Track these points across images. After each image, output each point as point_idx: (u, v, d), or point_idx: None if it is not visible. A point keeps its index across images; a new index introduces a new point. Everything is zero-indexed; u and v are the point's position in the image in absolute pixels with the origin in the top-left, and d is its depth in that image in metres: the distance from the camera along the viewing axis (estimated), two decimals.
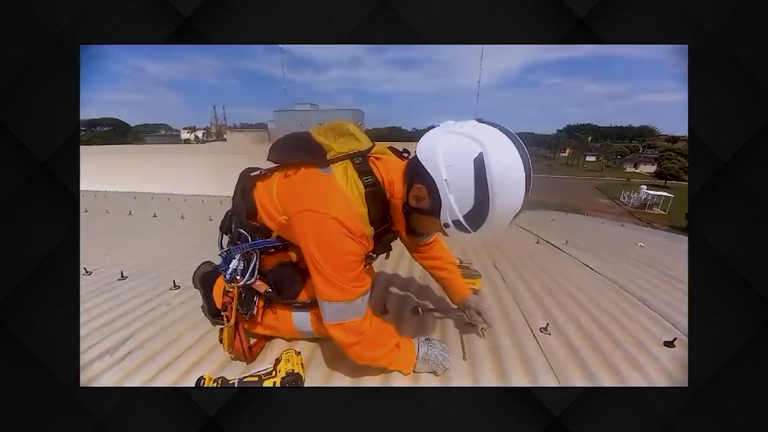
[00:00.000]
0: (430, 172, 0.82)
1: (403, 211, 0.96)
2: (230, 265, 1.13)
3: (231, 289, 1.14)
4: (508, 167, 0.76)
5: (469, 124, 0.83)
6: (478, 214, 0.79)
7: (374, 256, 1.16)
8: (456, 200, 0.80)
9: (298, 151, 1.01)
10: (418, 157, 0.85)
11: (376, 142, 1.04)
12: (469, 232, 0.83)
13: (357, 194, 0.92)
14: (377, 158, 1.01)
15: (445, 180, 0.79)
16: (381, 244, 1.10)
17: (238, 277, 1.12)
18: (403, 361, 1.09)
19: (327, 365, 1.16)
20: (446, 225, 0.84)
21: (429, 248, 1.38)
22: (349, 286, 0.92)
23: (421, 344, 1.12)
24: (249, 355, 1.16)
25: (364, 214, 0.92)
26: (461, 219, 0.81)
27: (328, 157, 0.95)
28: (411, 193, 0.90)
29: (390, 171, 0.97)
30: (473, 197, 0.77)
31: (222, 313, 1.16)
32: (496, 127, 0.81)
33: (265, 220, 1.08)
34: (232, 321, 1.13)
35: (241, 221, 1.12)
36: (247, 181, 1.15)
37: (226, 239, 1.24)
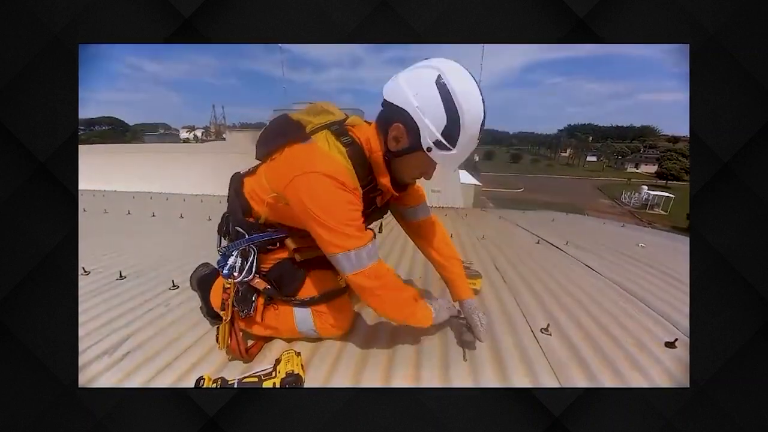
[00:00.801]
0: (401, 106, 0.90)
1: (384, 161, 1.01)
2: (228, 262, 1.15)
3: (228, 286, 1.14)
4: (464, 80, 0.89)
5: (419, 63, 0.95)
6: (452, 128, 0.88)
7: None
8: (431, 120, 0.88)
9: (280, 135, 1.05)
10: (387, 99, 0.94)
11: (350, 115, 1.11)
12: (450, 149, 0.90)
13: (339, 153, 0.98)
14: (352, 126, 1.07)
15: (417, 107, 0.88)
16: (371, 208, 1.14)
17: (235, 274, 1.14)
18: (421, 315, 1.12)
19: (327, 366, 1.15)
20: (429, 149, 0.91)
21: (428, 231, 1.37)
22: (357, 233, 0.96)
23: (429, 301, 1.19)
24: (245, 354, 1.15)
25: (350, 169, 0.97)
26: (439, 137, 0.89)
27: (307, 130, 1.01)
28: (389, 137, 0.96)
29: (364, 132, 1.04)
30: (444, 112, 0.87)
31: (220, 312, 1.16)
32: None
33: (256, 209, 1.13)
34: (228, 317, 1.13)
35: (237, 219, 1.16)
36: (237, 182, 1.20)
37: (224, 243, 1.24)
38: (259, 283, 1.17)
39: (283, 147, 1.03)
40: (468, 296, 1.29)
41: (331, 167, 0.93)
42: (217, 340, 1.18)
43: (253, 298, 1.18)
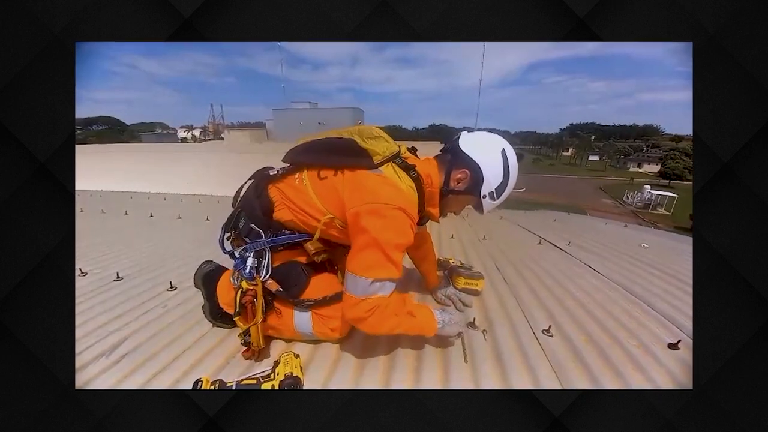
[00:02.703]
0: (474, 158, 1.12)
1: (440, 192, 1.18)
2: (247, 263, 1.16)
3: (252, 287, 1.14)
4: (514, 156, 1.17)
5: (485, 133, 1.21)
6: (502, 186, 1.15)
7: None
8: (493, 177, 1.14)
9: (343, 156, 1.11)
10: (463, 149, 1.14)
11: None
12: (495, 200, 1.16)
13: (409, 187, 1.11)
14: (407, 157, 1.19)
15: (486, 164, 1.13)
16: None
17: (256, 275, 1.15)
18: (424, 324, 1.15)
19: (326, 368, 1.15)
20: (484, 196, 1.15)
21: (419, 238, 1.48)
22: (400, 265, 1.06)
23: (437, 312, 1.20)
24: (259, 356, 1.17)
25: (416, 203, 1.12)
26: (494, 190, 1.15)
27: (375, 161, 1.08)
28: (452, 177, 1.16)
29: (425, 167, 1.18)
30: (501, 175, 1.14)
31: (236, 315, 1.13)
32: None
33: (279, 214, 1.19)
34: (259, 318, 1.13)
35: (255, 217, 1.18)
36: (261, 180, 1.24)
37: (226, 236, 1.25)
38: (272, 284, 1.17)
39: (344, 169, 1.10)
40: (436, 284, 1.62)
41: (405, 201, 1.05)
42: (245, 344, 1.16)
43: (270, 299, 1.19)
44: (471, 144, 1.15)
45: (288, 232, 1.20)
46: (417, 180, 1.13)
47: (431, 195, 1.18)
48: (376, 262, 1.00)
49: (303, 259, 1.26)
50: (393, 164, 1.12)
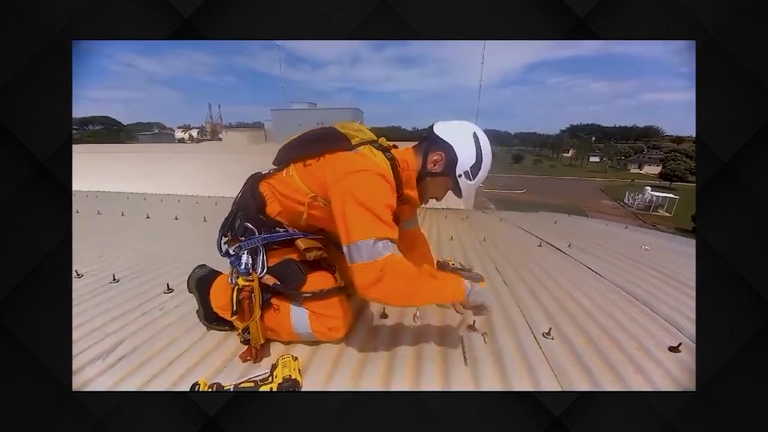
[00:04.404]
0: (448, 140, 1.20)
1: (417, 175, 1.25)
2: (242, 260, 1.18)
3: (248, 284, 1.16)
4: (486, 141, 1.23)
5: (456, 121, 1.28)
6: (476, 166, 1.20)
7: None
8: (466, 157, 1.20)
9: (324, 141, 1.19)
10: (437, 133, 1.22)
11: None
12: (471, 180, 1.21)
13: (384, 162, 1.17)
14: (385, 144, 1.27)
15: (459, 145, 1.20)
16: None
17: (252, 271, 1.17)
18: (449, 287, 1.13)
19: (325, 370, 1.14)
20: (460, 175, 1.20)
21: (415, 239, 1.58)
22: (395, 227, 1.08)
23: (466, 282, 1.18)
24: (258, 356, 1.17)
25: (392, 176, 1.17)
26: (469, 170, 1.20)
27: (353, 143, 1.17)
28: (429, 159, 1.22)
29: (400, 153, 1.27)
30: (474, 155, 1.20)
31: (234, 314, 1.15)
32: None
33: (271, 207, 1.25)
34: (257, 314, 1.15)
35: (249, 215, 1.23)
36: (254, 181, 1.30)
37: (224, 240, 1.26)
38: (269, 279, 1.19)
39: (326, 153, 1.16)
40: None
41: (384, 170, 1.12)
42: (244, 342, 1.19)
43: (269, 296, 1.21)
44: (445, 129, 1.24)
45: (282, 230, 1.24)
46: (392, 161, 1.21)
47: (408, 178, 1.25)
48: (370, 224, 1.02)
49: (296, 257, 1.27)
50: (370, 146, 1.20)
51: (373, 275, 0.98)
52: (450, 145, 1.20)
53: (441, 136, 1.22)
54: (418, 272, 1.05)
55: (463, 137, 1.21)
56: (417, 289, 1.05)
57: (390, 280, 0.99)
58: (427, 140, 1.25)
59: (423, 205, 1.36)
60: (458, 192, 1.24)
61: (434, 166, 1.23)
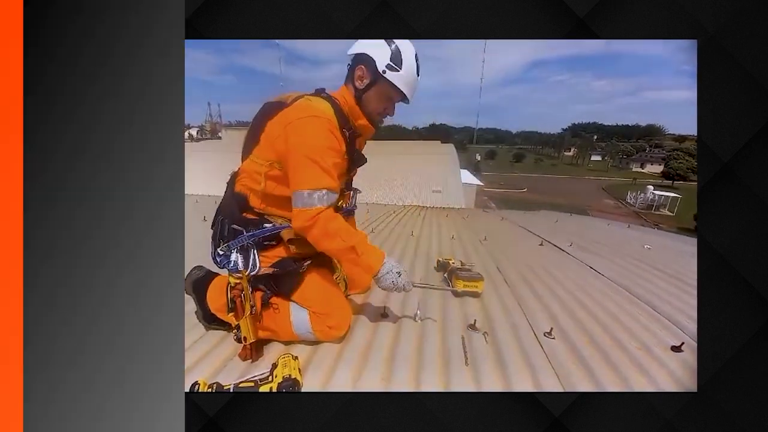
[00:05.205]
0: (360, 51, 1.18)
1: (357, 104, 1.25)
2: (231, 258, 1.19)
3: (238, 281, 1.17)
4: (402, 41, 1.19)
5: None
6: (396, 56, 1.17)
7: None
8: (381, 53, 1.17)
9: (264, 115, 1.22)
10: (350, 53, 1.22)
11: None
12: (398, 70, 1.18)
13: (321, 102, 1.20)
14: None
15: (370, 48, 1.18)
16: (355, 152, 1.31)
17: (241, 269, 1.17)
18: (368, 260, 1.21)
19: (324, 370, 1.14)
20: (384, 72, 1.18)
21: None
22: (334, 174, 1.15)
23: (391, 260, 1.26)
24: (254, 355, 1.17)
25: (332, 112, 1.19)
26: (389, 62, 1.17)
27: (288, 102, 1.19)
28: (355, 79, 1.22)
29: (337, 92, 1.27)
30: (388, 48, 1.16)
31: (229, 312, 1.17)
32: None
33: (252, 197, 1.24)
34: (248, 312, 1.15)
35: (234, 217, 1.22)
36: (230, 183, 1.31)
37: (219, 251, 1.24)
38: (264, 262, 1.20)
39: (268, 122, 1.19)
40: (368, 282, 1.59)
41: (319, 110, 1.15)
42: (240, 340, 1.18)
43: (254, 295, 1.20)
44: (356, 45, 1.24)
45: (268, 225, 1.23)
46: (329, 98, 1.22)
47: (352, 110, 1.25)
48: (309, 175, 1.11)
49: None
50: (305, 96, 1.23)
51: (303, 221, 1.12)
52: (361, 53, 1.19)
53: (351, 53, 1.23)
54: (346, 231, 1.18)
55: (367, 41, 1.19)
56: (340, 244, 1.16)
57: (317, 232, 1.13)
58: (348, 68, 1.26)
59: (381, 125, 1.36)
60: (398, 92, 1.22)
61: (361, 81, 1.22)
